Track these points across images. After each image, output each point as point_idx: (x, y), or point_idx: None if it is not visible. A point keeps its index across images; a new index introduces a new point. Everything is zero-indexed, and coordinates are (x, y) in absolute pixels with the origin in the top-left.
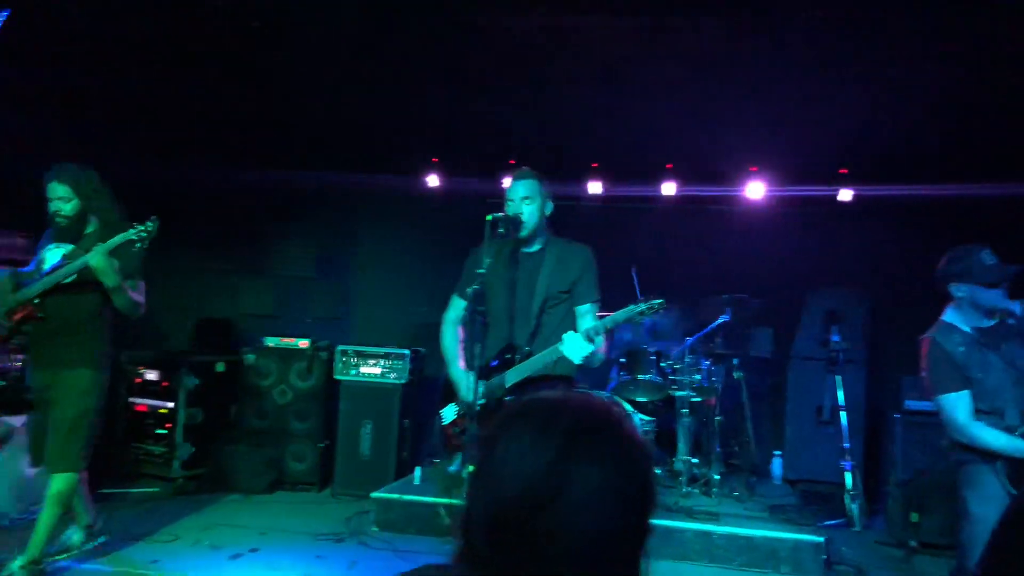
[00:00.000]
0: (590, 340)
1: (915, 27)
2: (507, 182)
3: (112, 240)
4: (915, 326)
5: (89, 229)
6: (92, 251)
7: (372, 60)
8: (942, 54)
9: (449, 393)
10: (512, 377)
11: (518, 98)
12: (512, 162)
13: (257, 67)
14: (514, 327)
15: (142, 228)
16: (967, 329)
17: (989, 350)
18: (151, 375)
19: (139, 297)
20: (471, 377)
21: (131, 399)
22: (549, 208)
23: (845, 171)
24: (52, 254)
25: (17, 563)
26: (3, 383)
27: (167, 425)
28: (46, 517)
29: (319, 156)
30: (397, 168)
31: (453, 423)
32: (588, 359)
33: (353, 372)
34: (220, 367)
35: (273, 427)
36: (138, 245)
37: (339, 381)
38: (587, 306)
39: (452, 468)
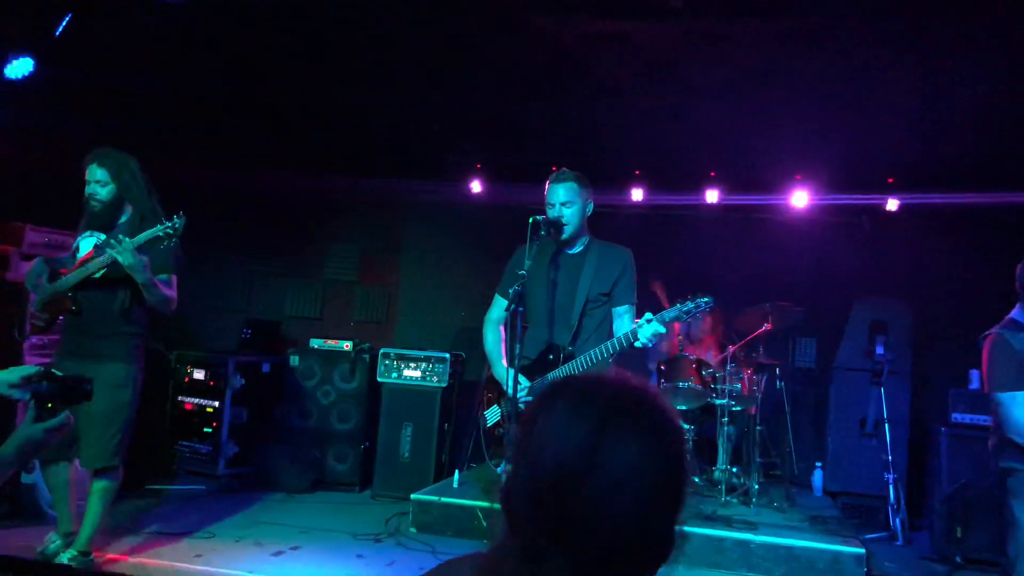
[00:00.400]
0: (663, 324)
1: (962, 35)
2: (547, 184)
3: (139, 236)
4: (962, 337)
5: (123, 218)
6: (120, 247)
7: (417, 65)
8: (988, 61)
9: (490, 393)
10: (559, 376)
11: (562, 104)
12: (555, 168)
13: (306, 72)
14: (555, 328)
15: (169, 225)
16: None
17: None
18: (199, 374)
19: (171, 292)
20: (511, 374)
21: (179, 397)
22: (590, 209)
23: (892, 180)
24: (86, 243)
25: (67, 555)
26: (60, 373)
27: (213, 424)
28: (92, 512)
29: (364, 161)
30: (441, 173)
31: (497, 424)
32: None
33: (394, 375)
34: (266, 368)
35: (316, 427)
36: (166, 243)
37: (381, 383)
38: (625, 307)
39: (499, 469)
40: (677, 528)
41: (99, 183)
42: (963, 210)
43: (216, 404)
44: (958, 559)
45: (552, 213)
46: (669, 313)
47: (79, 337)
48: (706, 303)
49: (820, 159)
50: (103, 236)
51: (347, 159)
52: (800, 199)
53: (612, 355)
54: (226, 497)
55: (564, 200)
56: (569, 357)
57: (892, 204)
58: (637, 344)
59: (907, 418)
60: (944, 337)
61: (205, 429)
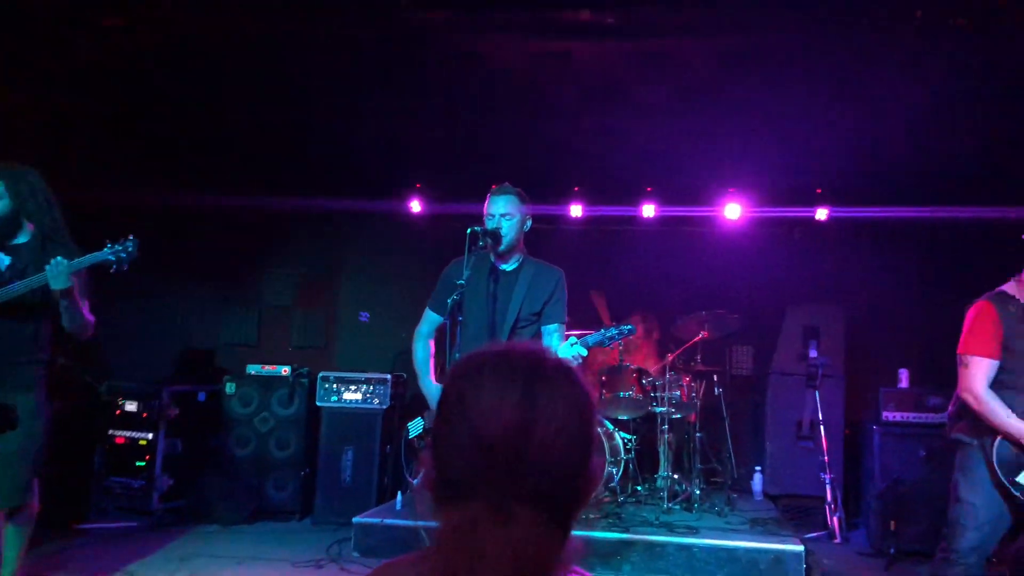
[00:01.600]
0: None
1: (891, 54)
2: (488, 197)
3: (81, 260)
4: (889, 339)
5: (22, 238)
6: (56, 271)
7: (357, 85)
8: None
9: (417, 408)
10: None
11: (501, 122)
12: (494, 186)
13: (242, 93)
14: (485, 343)
15: (120, 248)
16: (1022, 300)
17: None
18: (131, 406)
19: (91, 317)
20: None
21: (110, 431)
22: (527, 225)
23: (820, 191)
24: None
25: None
26: None
27: (146, 457)
28: (10, 557)
29: (302, 183)
30: (380, 194)
31: (419, 436)
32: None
33: (334, 398)
34: (201, 397)
35: (254, 456)
36: (114, 267)
37: (321, 408)
38: (555, 326)
39: (416, 481)
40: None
41: None
42: (889, 221)
43: (149, 436)
44: (892, 551)
45: (491, 224)
46: (592, 338)
47: None
48: (628, 330)
49: (752, 172)
50: (9, 259)
51: (284, 182)
52: (733, 211)
53: None
54: (159, 532)
55: (504, 212)
56: None
57: (821, 214)
58: None
59: (841, 419)
60: (873, 340)
61: (138, 463)
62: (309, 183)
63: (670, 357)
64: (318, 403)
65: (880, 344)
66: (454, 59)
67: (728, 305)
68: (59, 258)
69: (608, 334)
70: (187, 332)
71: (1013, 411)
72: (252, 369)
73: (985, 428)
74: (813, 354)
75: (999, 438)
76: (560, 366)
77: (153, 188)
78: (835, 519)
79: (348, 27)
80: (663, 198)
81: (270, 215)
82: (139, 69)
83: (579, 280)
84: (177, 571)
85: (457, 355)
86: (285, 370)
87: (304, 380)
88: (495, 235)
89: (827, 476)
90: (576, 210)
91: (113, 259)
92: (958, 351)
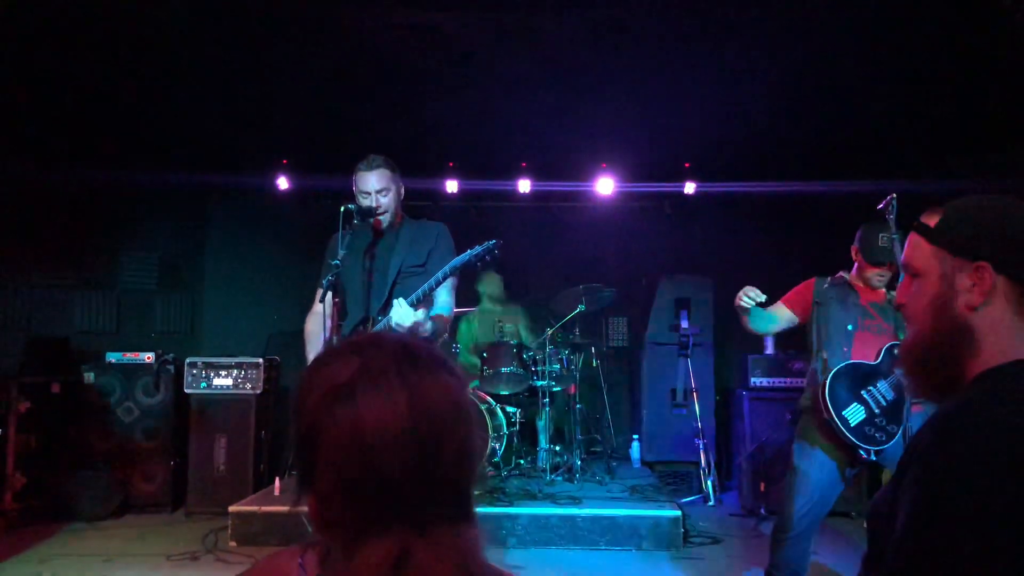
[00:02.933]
0: (414, 306)
1: (752, 32)
2: (357, 173)
3: None
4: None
5: None
6: None
7: (217, 55)
8: (775, 54)
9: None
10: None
11: (372, 96)
12: (362, 161)
13: (96, 61)
14: (368, 303)
15: None
16: (846, 276)
17: (853, 293)
18: None
19: None
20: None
21: None
22: (402, 192)
23: (688, 165)
24: None
25: None
26: None
27: None
28: None
29: (162, 157)
30: (246, 170)
31: None
32: (418, 326)
33: (203, 384)
34: (55, 388)
35: (119, 448)
36: None
37: (189, 395)
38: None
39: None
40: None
41: None
42: (754, 194)
43: None
44: (762, 511)
45: (368, 202)
46: (459, 259)
47: None
48: (493, 244)
49: (623, 148)
50: None
51: (142, 154)
52: (606, 186)
53: (405, 314)
54: (14, 534)
55: (379, 188)
56: (375, 325)
57: (689, 187)
58: (397, 327)
59: (712, 386)
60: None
61: None
62: (169, 160)
63: (549, 332)
64: (186, 390)
65: None
66: (316, 31)
67: (603, 278)
68: None
69: (472, 253)
70: (35, 320)
71: (830, 362)
72: (112, 357)
73: (820, 372)
74: (684, 324)
75: (829, 378)
76: (426, 349)
77: None
78: (709, 482)
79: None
80: (538, 174)
81: (125, 192)
82: None
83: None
84: (38, 574)
85: (335, 338)
86: (149, 356)
87: (170, 367)
88: (372, 212)
89: (700, 442)
90: (452, 186)
91: None
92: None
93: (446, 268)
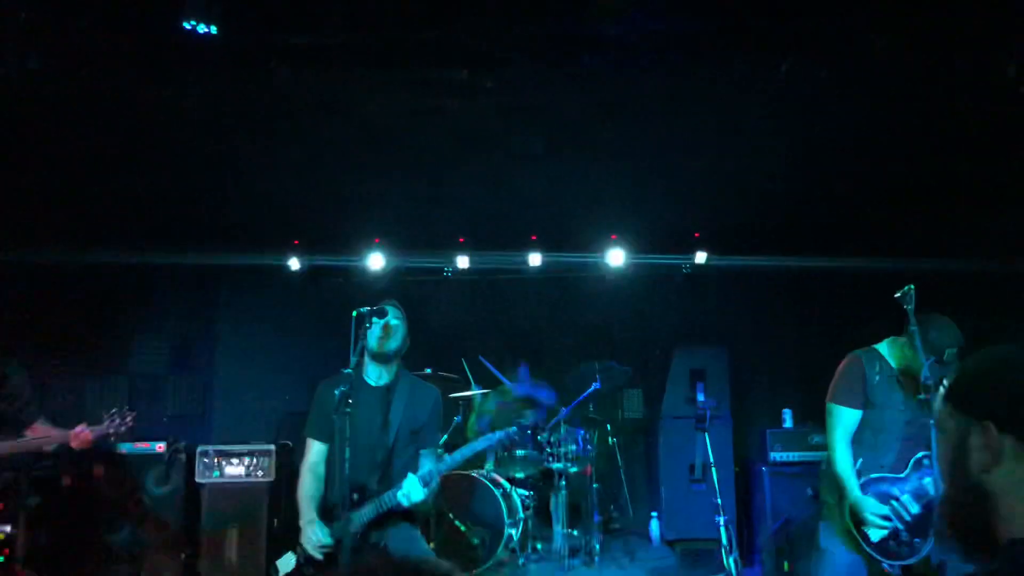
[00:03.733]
0: (425, 484)
1: (760, 104)
2: (377, 313)
3: None
4: (773, 380)
5: None
6: None
7: (227, 139)
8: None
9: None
10: (359, 520)
11: (380, 174)
12: (376, 240)
13: (105, 142)
14: (364, 466)
15: None
16: (892, 363)
17: (900, 390)
18: None
19: None
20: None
21: None
22: (408, 340)
23: (698, 235)
24: None
25: None
26: None
27: (5, 552)
28: None
29: (174, 243)
30: (257, 252)
31: (293, 572)
32: (422, 503)
33: (215, 473)
34: (67, 481)
35: (128, 540)
36: None
37: (201, 484)
38: (430, 450)
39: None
40: None
41: None
42: (763, 266)
43: (7, 529)
44: None
45: (380, 322)
46: (461, 452)
47: None
48: (513, 432)
49: (633, 218)
50: None
51: (155, 240)
52: (616, 257)
53: (390, 509)
54: None
55: (395, 321)
56: (375, 495)
57: (701, 257)
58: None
59: (731, 460)
60: (758, 381)
61: None
62: (178, 241)
63: (563, 411)
64: (198, 479)
65: (764, 385)
66: (325, 115)
67: (617, 350)
68: None
69: (495, 438)
70: (46, 407)
71: (869, 469)
72: (124, 447)
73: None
74: (701, 396)
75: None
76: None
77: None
78: (731, 561)
79: (221, 83)
80: (548, 246)
81: (137, 275)
82: None
83: (470, 331)
84: None
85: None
86: (160, 446)
87: (181, 456)
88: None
89: (721, 518)
90: (462, 261)
91: None
92: (826, 400)
93: (466, 452)
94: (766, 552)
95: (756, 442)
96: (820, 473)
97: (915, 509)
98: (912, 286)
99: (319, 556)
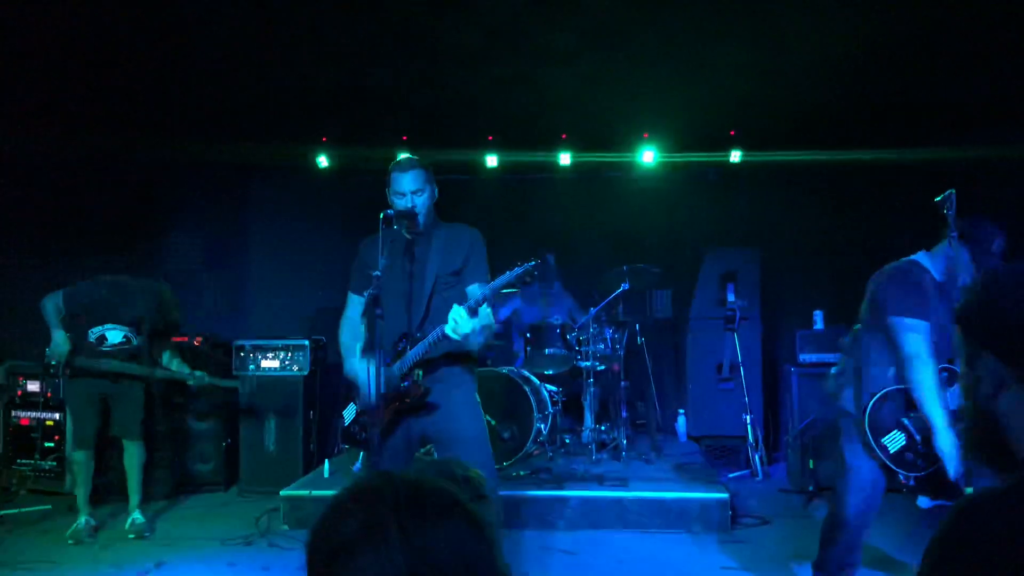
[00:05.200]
0: (472, 313)
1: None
2: (392, 175)
3: None
4: (804, 282)
5: None
6: None
7: (254, 32)
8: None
9: (349, 392)
10: (404, 364)
11: (408, 71)
12: (404, 138)
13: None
14: (408, 316)
15: None
16: (937, 276)
17: (941, 301)
18: (33, 386)
19: None
20: (370, 367)
21: (13, 412)
22: (436, 194)
23: (733, 133)
24: None
25: None
26: None
27: (55, 437)
28: None
29: (204, 142)
30: (286, 149)
31: (354, 421)
32: (473, 335)
33: (252, 367)
34: None
35: (172, 429)
36: None
37: (239, 377)
38: (476, 285)
39: (356, 467)
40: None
41: None
42: (799, 163)
43: (57, 416)
44: (811, 488)
45: (403, 203)
46: (496, 283)
47: None
48: (534, 266)
49: (666, 116)
50: None
51: (184, 140)
52: (648, 156)
53: (436, 343)
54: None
55: (414, 188)
56: (416, 342)
57: (735, 156)
58: (459, 327)
59: (760, 361)
60: (788, 282)
61: (47, 444)
62: (208, 139)
63: (592, 311)
64: (235, 372)
65: (795, 287)
66: (356, 8)
67: (647, 251)
68: None
69: (514, 274)
70: None
71: (901, 379)
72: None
73: (866, 387)
74: (731, 297)
75: (875, 398)
76: (436, 490)
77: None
78: (756, 458)
79: None
80: (579, 146)
81: (168, 174)
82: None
83: (499, 231)
84: (99, 559)
85: (379, 352)
86: (198, 339)
87: (218, 350)
88: (410, 215)
89: (748, 416)
90: (491, 160)
91: None
92: (891, 315)
93: (495, 284)
94: (791, 450)
95: (786, 343)
96: (837, 381)
97: None
98: (953, 190)
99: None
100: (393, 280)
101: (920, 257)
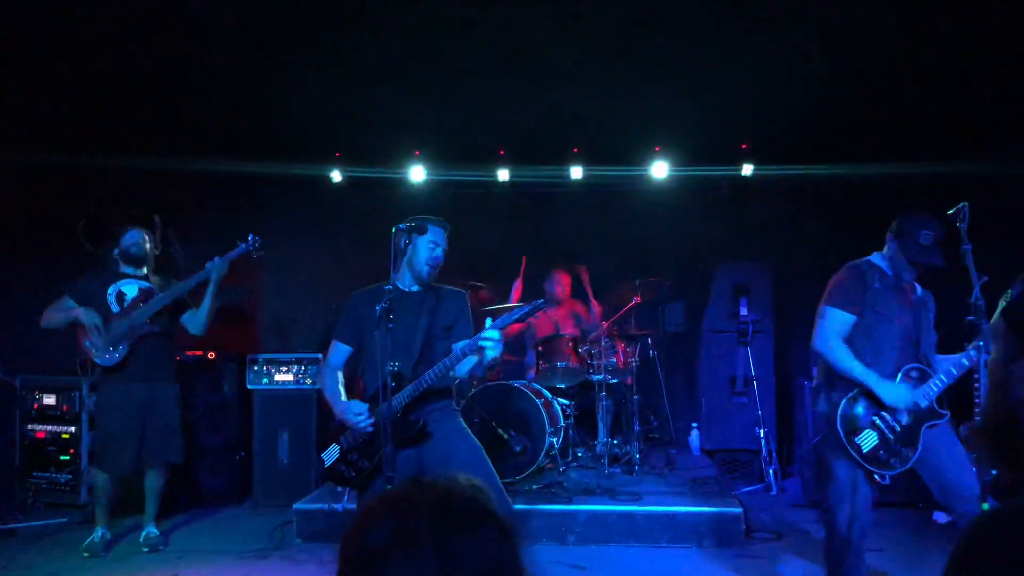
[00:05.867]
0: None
1: (813, 8)
2: (432, 227)
3: None
4: (816, 295)
5: None
6: None
7: (270, 51)
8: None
9: (328, 434)
10: (403, 398)
11: (421, 88)
12: (417, 152)
13: (153, 53)
14: (400, 359)
15: None
16: (889, 272)
17: (898, 298)
18: (49, 399)
19: None
20: (361, 405)
21: (29, 426)
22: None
23: (745, 147)
24: None
25: None
26: None
27: (71, 451)
28: None
29: (219, 157)
30: (300, 165)
31: (340, 461)
32: (479, 364)
33: (265, 380)
34: None
35: (187, 443)
36: None
37: (252, 390)
38: (466, 342)
39: (338, 507)
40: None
41: None
42: (814, 177)
43: (72, 429)
44: None
45: (435, 252)
46: (503, 320)
47: None
48: (541, 304)
49: (677, 130)
50: None
51: (197, 148)
52: (660, 170)
53: (450, 366)
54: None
55: (444, 245)
56: (407, 383)
57: (747, 169)
58: (468, 357)
59: (773, 374)
60: (800, 295)
61: (62, 457)
62: (222, 155)
63: (605, 325)
64: (248, 386)
65: (808, 300)
66: (368, 27)
67: (659, 264)
68: None
69: (524, 311)
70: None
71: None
72: (176, 356)
73: (837, 388)
74: (744, 311)
75: (846, 398)
76: (467, 497)
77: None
78: (770, 472)
79: None
80: (590, 159)
81: (188, 190)
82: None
83: (512, 246)
84: (114, 572)
85: (369, 385)
86: (212, 354)
87: (232, 364)
88: (437, 264)
89: (761, 430)
90: (503, 174)
91: None
92: (821, 305)
93: (505, 320)
94: (805, 464)
95: (799, 356)
96: (815, 389)
97: (905, 420)
98: (966, 203)
99: (367, 428)
100: (379, 329)
101: (874, 256)
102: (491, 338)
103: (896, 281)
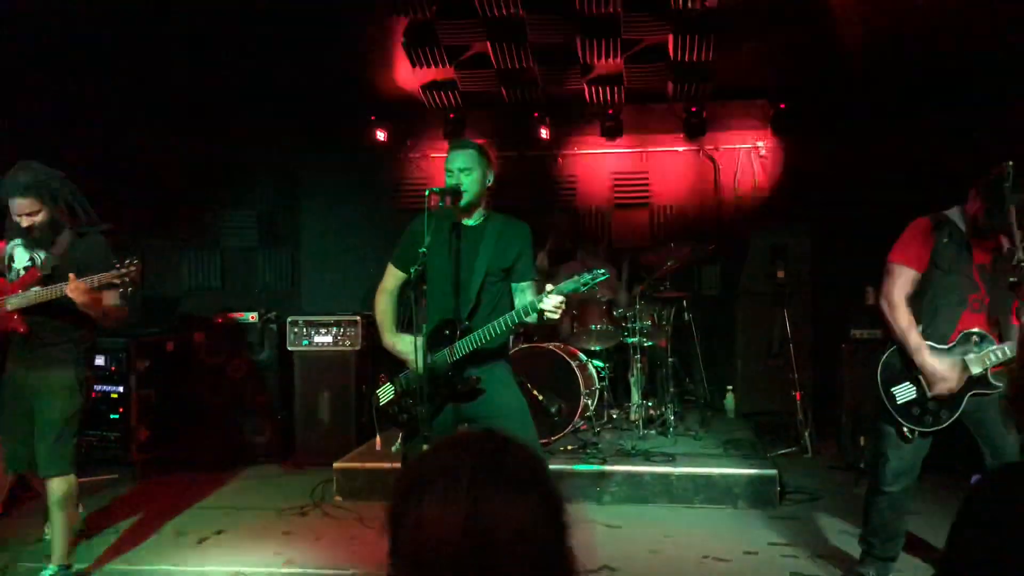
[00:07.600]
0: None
1: None
2: (448, 152)
3: None
4: (855, 256)
5: None
6: None
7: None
8: None
9: (382, 372)
10: (459, 351)
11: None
12: (452, 115)
13: (188, 28)
14: (451, 301)
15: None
16: (962, 227)
17: (968, 256)
18: (98, 360)
19: None
20: (415, 343)
21: None
22: (490, 179)
23: (784, 106)
24: None
25: (48, 571)
26: None
27: (120, 409)
28: (58, 524)
29: (256, 121)
30: (337, 128)
31: (391, 402)
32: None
33: (305, 342)
34: (170, 346)
35: (229, 403)
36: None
37: (292, 351)
38: (527, 283)
39: (394, 448)
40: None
41: None
42: (853, 132)
43: (121, 389)
44: (862, 465)
45: (450, 181)
46: (566, 286)
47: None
48: (603, 275)
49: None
50: None
51: (237, 119)
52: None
53: (510, 328)
54: (142, 484)
55: (463, 167)
56: (466, 331)
57: (783, 128)
58: (530, 319)
59: (810, 337)
60: (839, 257)
61: (112, 416)
62: (264, 121)
63: (640, 288)
64: (289, 348)
65: (845, 261)
66: None
67: (695, 228)
68: None
69: (582, 280)
70: (147, 280)
71: (926, 336)
72: (219, 317)
73: (891, 339)
74: (780, 274)
75: (890, 350)
76: (521, 462)
77: (108, 133)
78: (806, 434)
79: None
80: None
81: (225, 154)
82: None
83: (544, 205)
84: (163, 528)
85: (424, 320)
86: (253, 316)
87: (273, 326)
88: (454, 192)
89: (797, 393)
90: (543, 132)
91: None
92: (887, 259)
93: (563, 289)
94: (842, 427)
95: (836, 318)
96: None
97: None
98: (1011, 163)
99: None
100: (438, 261)
101: (952, 210)
102: (555, 306)
103: (968, 238)
